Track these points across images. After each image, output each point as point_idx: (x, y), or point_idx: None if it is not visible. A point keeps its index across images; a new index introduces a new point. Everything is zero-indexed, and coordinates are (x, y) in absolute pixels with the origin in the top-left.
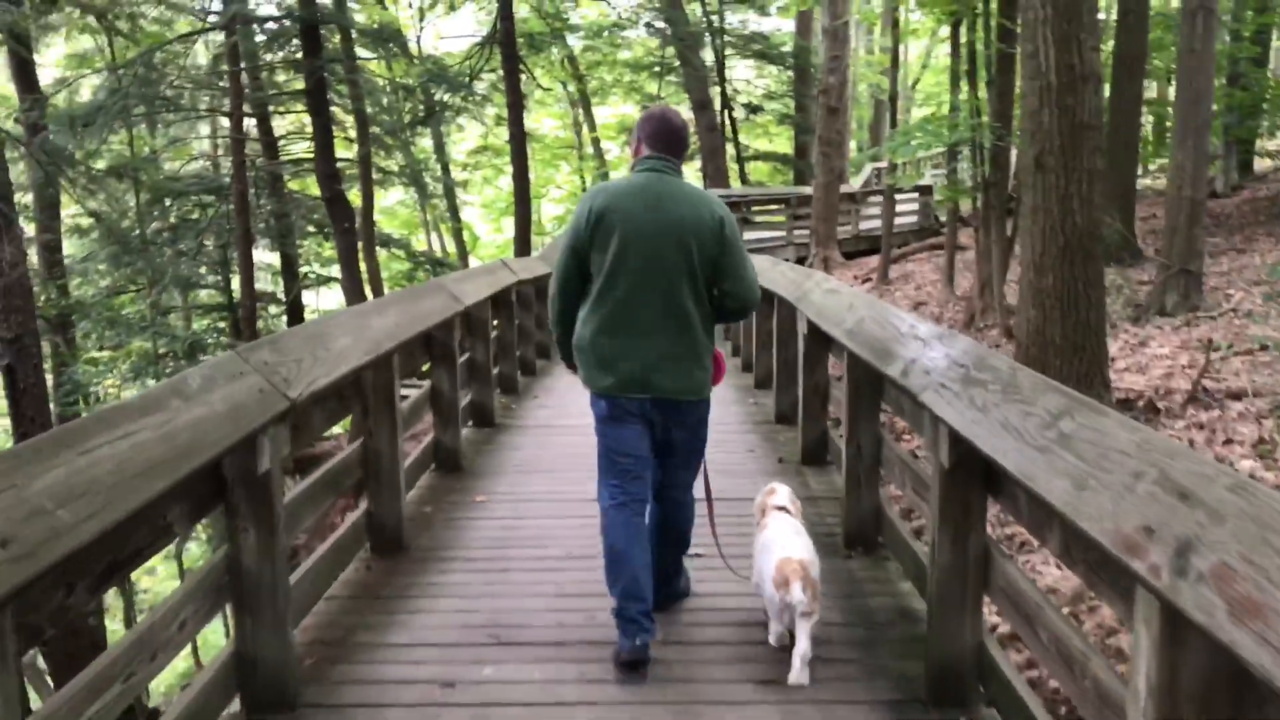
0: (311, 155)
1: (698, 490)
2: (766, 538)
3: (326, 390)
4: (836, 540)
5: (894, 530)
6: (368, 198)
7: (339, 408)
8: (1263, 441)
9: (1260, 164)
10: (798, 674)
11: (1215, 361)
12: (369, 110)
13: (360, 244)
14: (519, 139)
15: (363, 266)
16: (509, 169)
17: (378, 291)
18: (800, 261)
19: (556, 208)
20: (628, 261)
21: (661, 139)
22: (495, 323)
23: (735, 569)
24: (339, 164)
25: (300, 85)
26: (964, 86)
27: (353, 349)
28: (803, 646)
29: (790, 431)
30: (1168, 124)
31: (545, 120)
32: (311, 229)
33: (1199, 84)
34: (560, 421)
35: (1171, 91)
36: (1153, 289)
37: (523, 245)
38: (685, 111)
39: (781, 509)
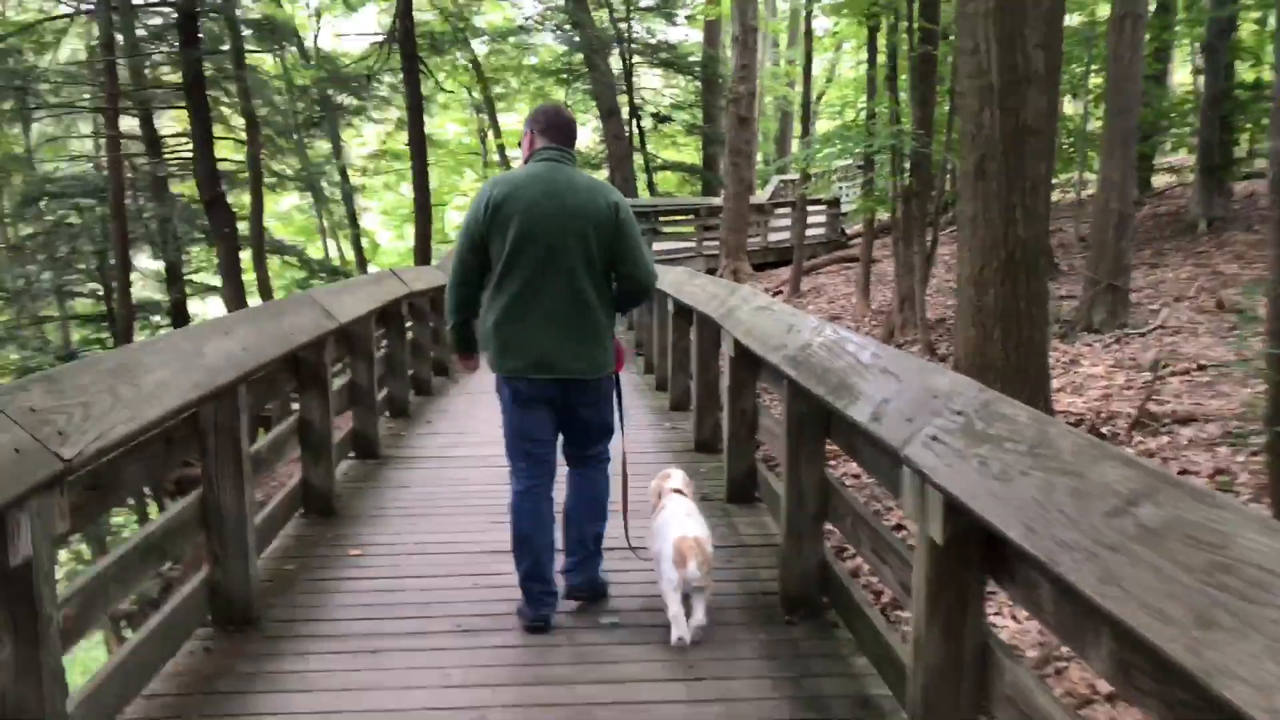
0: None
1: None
2: (663, 519)
3: (133, 439)
4: (773, 601)
5: (846, 594)
6: (258, 201)
7: (165, 455)
8: (1221, 472)
9: (1157, 179)
10: (680, 629)
11: (1151, 383)
12: (261, 111)
13: (250, 251)
14: (419, 143)
15: (253, 275)
16: (411, 174)
17: (267, 300)
18: (710, 274)
19: (460, 215)
20: (526, 249)
21: (554, 130)
22: (383, 340)
23: (636, 550)
24: (228, 166)
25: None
26: (881, 93)
27: (174, 383)
28: (698, 617)
29: (713, 461)
30: (1068, 140)
31: (450, 125)
32: (199, 234)
33: (1127, 92)
34: (455, 451)
35: (1069, 108)
36: (1079, 305)
37: (423, 253)
38: (593, 120)
39: (677, 491)
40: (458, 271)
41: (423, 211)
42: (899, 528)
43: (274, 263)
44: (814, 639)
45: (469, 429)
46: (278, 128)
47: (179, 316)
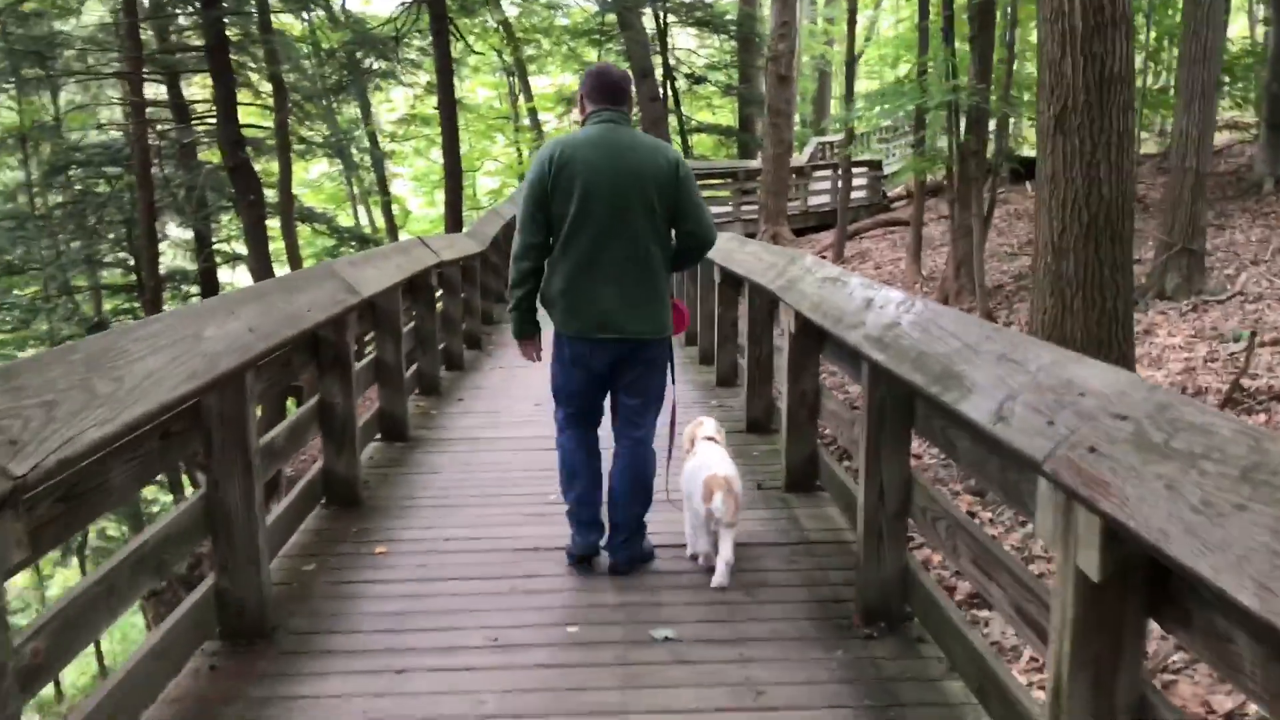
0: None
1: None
2: (696, 462)
3: (113, 442)
4: (847, 610)
5: (936, 608)
6: (285, 168)
7: (161, 452)
8: None
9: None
10: (721, 577)
11: (1238, 355)
12: (288, 75)
13: (278, 218)
14: (449, 106)
15: (281, 243)
16: (441, 139)
17: (296, 270)
18: (749, 237)
19: (492, 180)
20: (591, 210)
21: (605, 92)
22: (411, 312)
23: (674, 500)
24: (255, 133)
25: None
26: (935, 47)
27: (165, 373)
28: (726, 553)
29: (766, 444)
30: None
31: (480, 90)
32: (227, 202)
33: (1206, 39)
34: (489, 433)
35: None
36: (1151, 270)
37: (454, 220)
38: None
39: (710, 439)
40: (525, 237)
41: (453, 178)
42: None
43: (304, 231)
44: (898, 658)
45: (504, 408)
46: (305, 92)
47: (208, 285)
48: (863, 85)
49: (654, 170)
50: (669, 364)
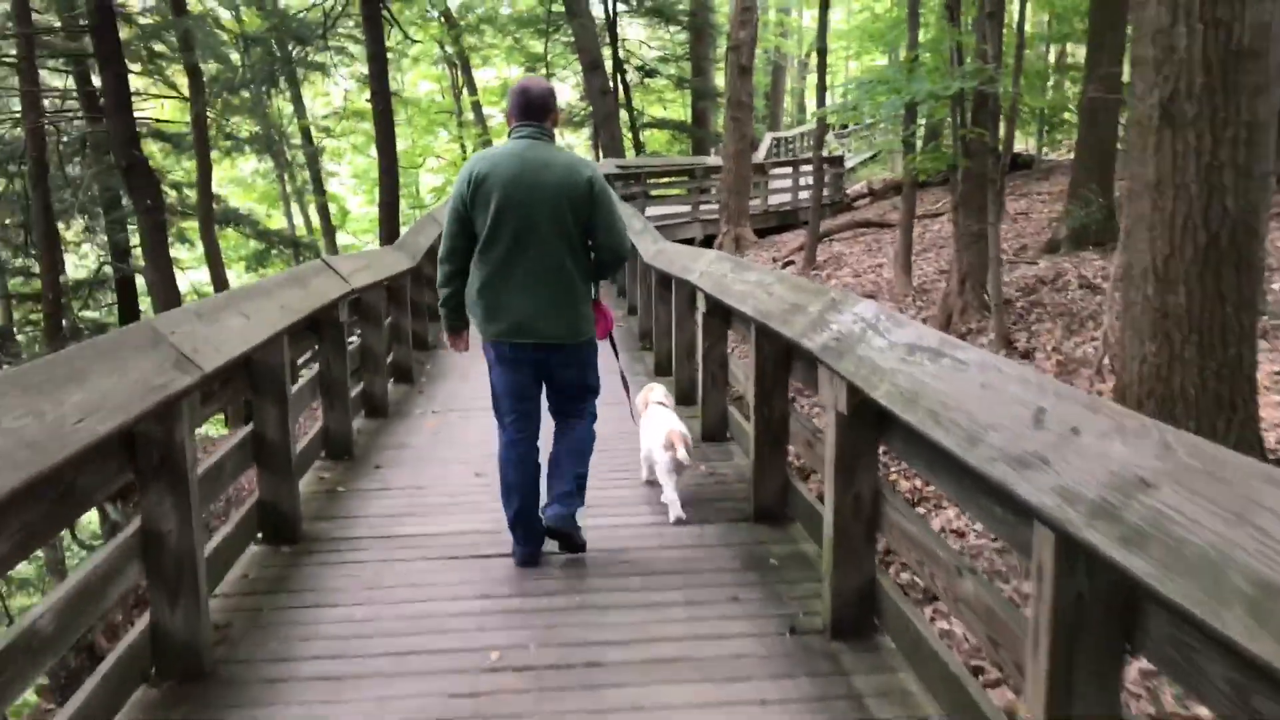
0: (154, 117)
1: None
2: (652, 421)
3: None
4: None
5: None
6: (204, 166)
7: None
8: None
9: None
10: (678, 510)
11: None
12: (210, 66)
13: (198, 222)
14: (383, 98)
15: (201, 250)
16: (375, 134)
17: (220, 281)
18: (709, 240)
19: (435, 178)
20: (505, 221)
21: (524, 109)
22: (312, 356)
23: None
24: (180, 127)
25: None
26: (933, 25)
27: None
28: (674, 492)
29: (783, 546)
30: None
31: (422, 83)
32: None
33: None
34: (410, 525)
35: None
36: (1275, 297)
37: (389, 223)
38: (573, 77)
39: (660, 403)
40: (448, 244)
41: (388, 176)
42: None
43: (232, 236)
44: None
45: (434, 479)
46: (228, 83)
47: (125, 295)
48: (813, 79)
49: (569, 186)
50: (614, 353)
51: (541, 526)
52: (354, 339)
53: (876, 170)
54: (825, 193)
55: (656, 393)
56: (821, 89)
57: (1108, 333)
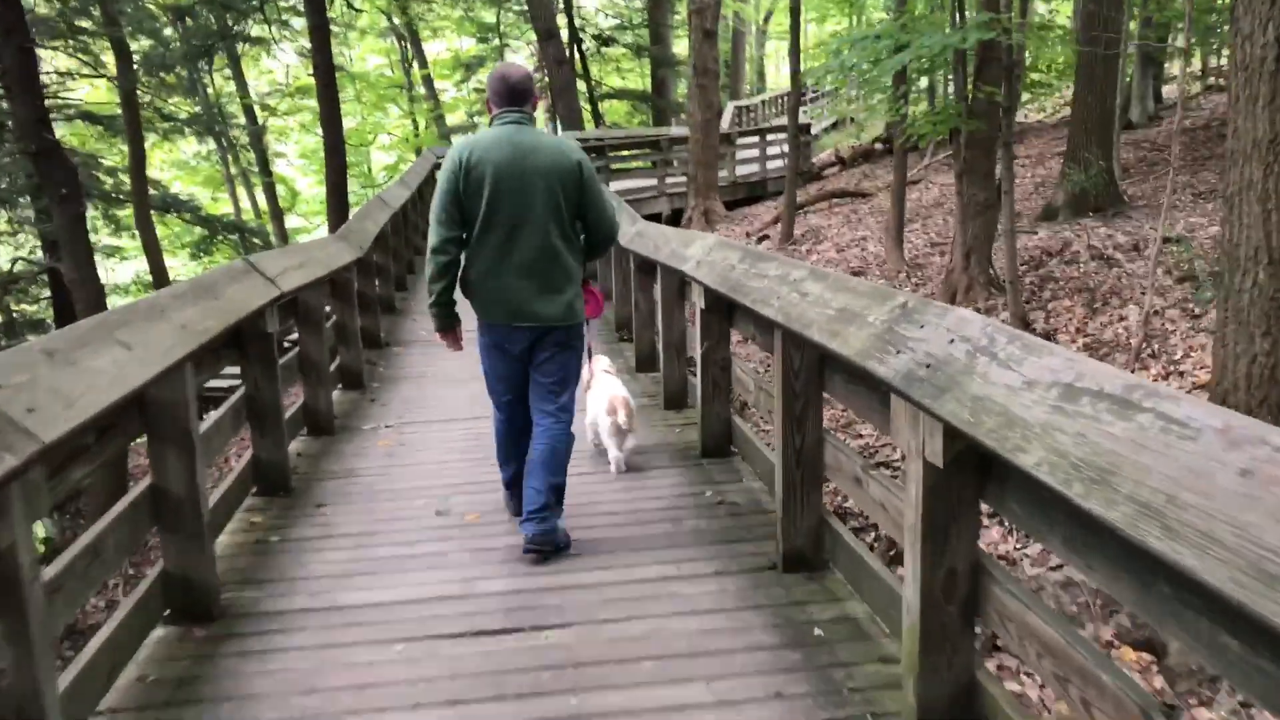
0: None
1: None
2: (597, 389)
3: None
4: None
5: None
6: (137, 149)
7: None
8: None
9: (1167, 90)
10: (620, 466)
11: None
12: (138, 42)
13: (133, 209)
14: (326, 71)
15: (137, 239)
16: (319, 110)
17: (158, 271)
18: (677, 215)
19: (388, 156)
20: (501, 208)
21: (505, 95)
22: (225, 393)
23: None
24: (104, 108)
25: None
26: None
27: None
28: (629, 445)
29: (817, 596)
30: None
31: (370, 58)
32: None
33: None
34: (357, 592)
35: None
36: None
37: (338, 206)
38: (526, 49)
39: (606, 371)
40: (440, 232)
41: (334, 155)
42: None
43: (175, 223)
44: None
45: (385, 521)
46: (160, 60)
47: (58, 289)
48: (772, 47)
49: (559, 169)
50: (579, 348)
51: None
52: (295, 343)
53: (841, 139)
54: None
55: (602, 362)
56: (795, 50)
57: (1148, 314)
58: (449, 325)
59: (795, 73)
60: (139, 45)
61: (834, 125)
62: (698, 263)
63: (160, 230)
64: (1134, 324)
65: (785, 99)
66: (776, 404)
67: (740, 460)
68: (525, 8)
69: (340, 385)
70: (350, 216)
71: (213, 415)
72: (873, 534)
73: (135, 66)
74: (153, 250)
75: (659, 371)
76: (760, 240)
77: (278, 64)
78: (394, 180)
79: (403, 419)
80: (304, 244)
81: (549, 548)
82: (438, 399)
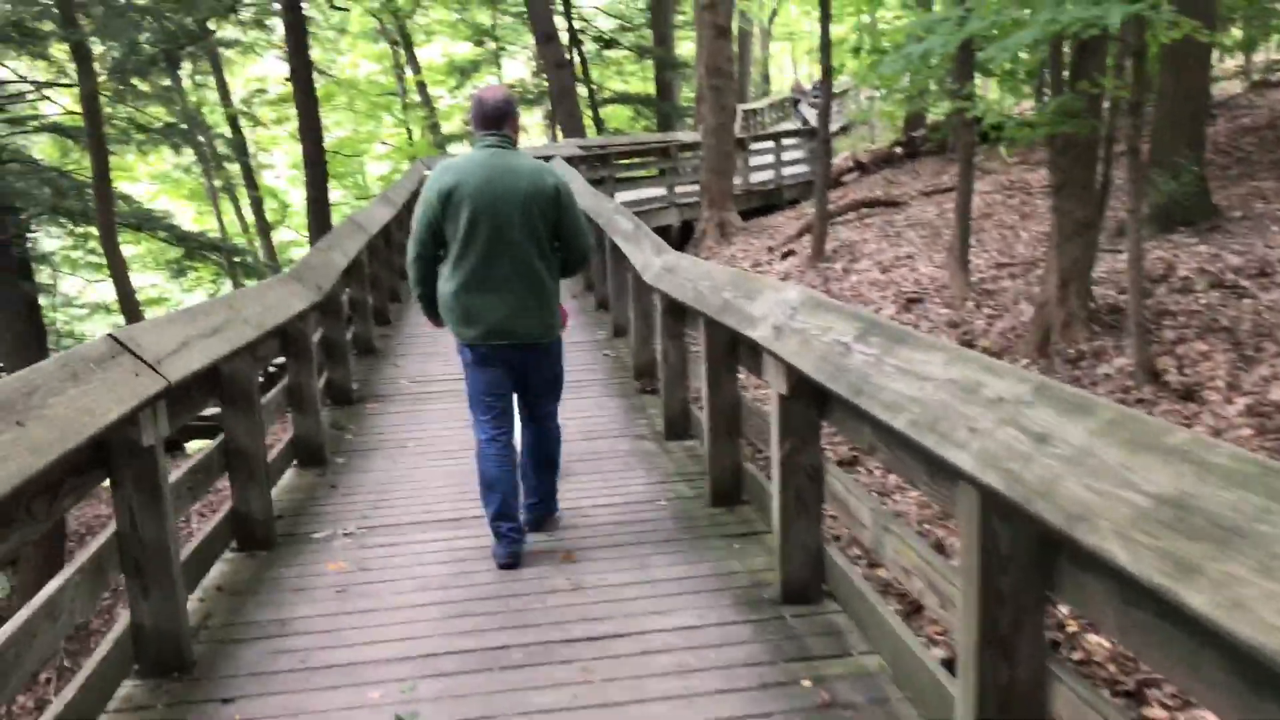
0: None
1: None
2: None
3: None
4: None
5: None
6: (100, 161)
7: None
8: None
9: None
10: None
11: None
12: (107, 46)
13: (98, 227)
14: (304, 74)
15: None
16: (298, 119)
17: (125, 296)
18: (688, 227)
19: (382, 165)
20: (478, 230)
21: (482, 119)
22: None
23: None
24: (74, 119)
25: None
26: None
27: None
28: None
29: None
30: None
31: (363, 64)
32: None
33: None
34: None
35: None
36: None
37: (319, 219)
38: (524, 52)
39: None
40: (417, 250)
41: (314, 167)
42: None
43: (151, 242)
44: None
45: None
46: (126, 64)
47: (32, 315)
48: (777, 48)
49: (536, 192)
50: (560, 356)
51: (521, 526)
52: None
53: (852, 143)
54: (806, 169)
55: None
56: (825, 45)
57: None
58: (433, 315)
59: (827, 70)
60: (104, 49)
61: (842, 129)
62: (776, 329)
63: (141, 246)
64: None
65: (787, 104)
66: (967, 604)
67: (842, 614)
68: (523, 9)
69: (295, 462)
70: (331, 224)
71: (72, 566)
72: None
73: (98, 73)
74: (119, 273)
75: (695, 440)
76: (785, 257)
77: (267, 71)
78: (374, 198)
79: (367, 519)
80: (232, 294)
81: (551, 519)
82: (416, 484)
